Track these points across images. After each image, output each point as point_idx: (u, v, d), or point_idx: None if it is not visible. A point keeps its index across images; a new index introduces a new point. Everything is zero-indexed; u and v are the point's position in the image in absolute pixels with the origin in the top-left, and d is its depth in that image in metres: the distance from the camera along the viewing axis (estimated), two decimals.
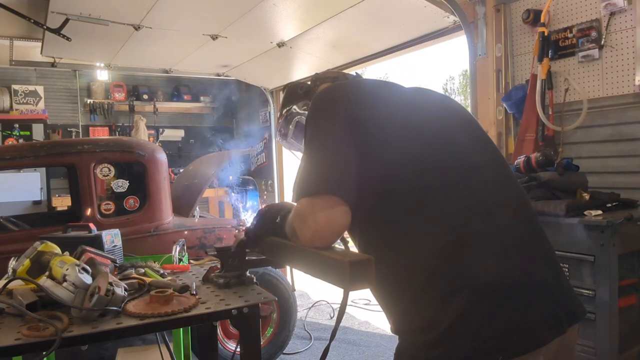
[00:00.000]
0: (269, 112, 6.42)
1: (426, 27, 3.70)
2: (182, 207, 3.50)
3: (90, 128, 6.88)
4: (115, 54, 4.81)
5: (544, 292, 1.02)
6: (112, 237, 1.97)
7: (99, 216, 2.90)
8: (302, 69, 5.14)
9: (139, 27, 3.88)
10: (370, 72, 8.80)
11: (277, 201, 6.15)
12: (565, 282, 1.12)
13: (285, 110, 1.50)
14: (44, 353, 1.13)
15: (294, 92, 1.49)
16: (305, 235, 1.03)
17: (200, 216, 3.83)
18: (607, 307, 1.89)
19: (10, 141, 5.78)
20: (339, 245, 1.10)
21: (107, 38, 4.17)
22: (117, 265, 1.75)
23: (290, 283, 1.76)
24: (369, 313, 4.33)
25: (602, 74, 2.57)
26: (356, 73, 1.56)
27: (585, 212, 1.99)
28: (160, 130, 7.28)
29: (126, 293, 1.34)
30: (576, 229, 1.98)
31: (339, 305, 1.08)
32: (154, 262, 1.88)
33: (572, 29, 2.68)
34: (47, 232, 2.10)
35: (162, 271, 1.80)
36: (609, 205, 2.08)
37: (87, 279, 1.32)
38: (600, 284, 1.91)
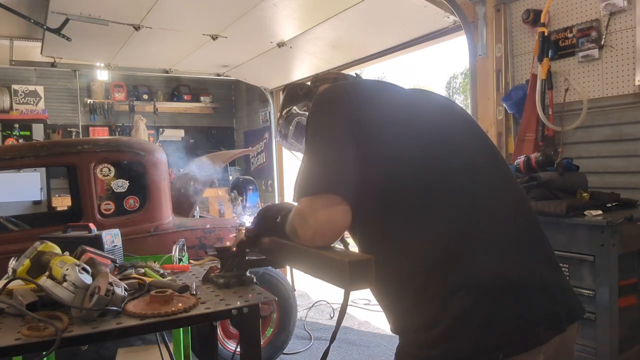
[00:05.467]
0: (269, 112, 6.42)
1: (426, 27, 3.70)
2: (182, 207, 3.50)
3: (90, 128, 6.89)
4: (115, 54, 4.81)
5: (543, 291, 1.02)
6: (112, 237, 1.97)
7: (99, 216, 2.90)
8: (302, 69, 5.15)
9: (139, 27, 3.88)
10: (368, 72, 8.81)
11: (277, 201, 6.15)
12: (564, 281, 1.12)
13: (285, 111, 1.51)
14: (44, 353, 1.13)
15: (294, 93, 1.49)
16: (306, 234, 1.04)
17: (200, 216, 3.83)
18: (607, 307, 1.89)
19: (10, 141, 5.78)
20: (339, 245, 1.10)
21: (107, 38, 4.17)
22: (117, 265, 1.75)
23: (290, 283, 1.76)
24: (369, 313, 4.33)
25: (602, 74, 2.57)
26: (356, 74, 1.56)
27: (585, 212, 1.99)
28: (160, 130, 7.28)
29: (126, 293, 1.34)
30: (576, 229, 1.98)
31: (339, 306, 1.09)
32: (154, 262, 1.88)
33: (572, 29, 2.68)
34: (47, 232, 2.10)
35: (162, 271, 1.80)
36: (609, 205, 2.08)
37: (87, 279, 1.32)
38: (600, 284, 1.91)
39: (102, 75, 6.71)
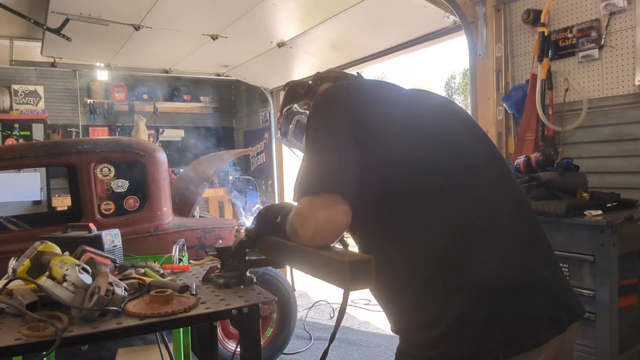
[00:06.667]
0: (269, 112, 6.42)
1: (426, 27, 3.70)
2: (182, 207, 3.50)
3: (90, 128, 6.89)
4: (115, 54, 4.81)
5: (544, 291, 1.02)
6: (112, 237, 1.97)
7: (99, 216, 2.90)
8: (302, 69, 5.14)
9: (139, 27, 3.88)
10: (368, 71, 8.82)
11: (277, 201, 6.15)
12: (565, 281, 1.12)
13: (285, 109, 1.51)
14: (44, 353, 1.13)
15: (295, 91, 1.49)
16: (306, 234, 1.04)
17: (200, 216, 3.83)
18: (607, 307, 1.89)
19: (10, 141, 5.78)
20: (338, 245, 1.10)
21: (107, 38, 4.17)
22: (117, 265, 1.75)
23: (290, 283, 1.76)
24: (369, 313, 4.33)
25: (602, 74, 2.57)
26: (357, 73, 1.56)
27: (585, 212, 1.99)
28: (160, 130, 7.28)
29: (126, 293, 1.34)
30: (576, 229, 1.98)
31: (339, 306, 1.08)
32: (154, 262, 1.88)
33: (572, 29, 2.68)
34: (47, 232, 2.10)
35: (162, 271, 1.80)
36: (609, 205, 2.08)
37: (87, 279, 1.32)
38: (600, 284, 1.91)
39: (102, 75, 6.70)
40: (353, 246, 1.17)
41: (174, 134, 7.38)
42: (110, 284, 1.29)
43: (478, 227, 1.04)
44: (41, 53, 4.68)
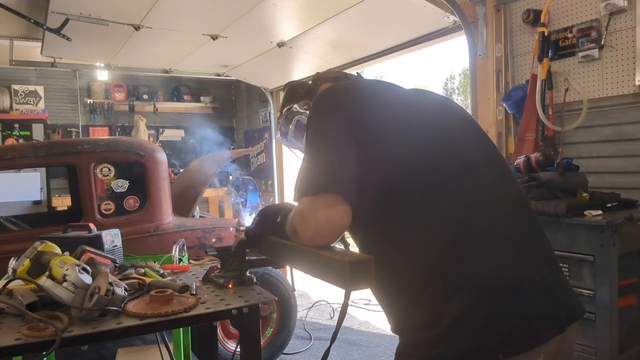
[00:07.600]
0: (269, 112, 6.42)
1: (426, 27, 3.70)
2: (182, 207, 3.50)
3: (90, 128, 6.89)
4: (115, 54, 4.81)
5: (543, 291, 1.02)
6: (112, 237, 1.97)
7: (99, 216, 2.90)
8: (302, 69, 5.15)
9: (139, 27, 3.88)
10: (368, 71, 8.82)
11: (277, 201, 6.15)
12: (564, 281, 1.12)
13: (285, 109, 1.51)
14: (44, 353, 1.13)
15: (295, 91, 1.49)
16: (306, 234, 1.04)
17: (200, 216, 3.83)
18: (607, 307, 1.89)
19: (10, 141, 5.78)
20: (339, 245, 1.11)
21: (107, 38, 4.17)
22: (117, 265, 1.75)
23: (290, 283, 1.76)
24: (369, 313, 4.33)
25: (602, 74, 2.57)
26: (357, 73, 1.56)
27: (585, 212, 1.99)
28: (160, 130, 7.28)
29: (126, 293, 1.34)
30: (576, 229, 1.98)
31: (339, 306, 1.09)
32: (154, 262, 1.88)
33: (572, 29, 2.68)
34: (47, 232, 2.10)
35: (162, 271, 1.80)
36: (609, 205, 2.08)
37: (87, 279, 1.32)
38: (600, 284, 1.91)
39: (102, 75, 6.70)
40: (353, 246, 1.17)
41: (174, 134, 7.38)
42: (110, 284, 1.29)
43: (478, 227, 1.04)
44: (41, 53, 4.68)
